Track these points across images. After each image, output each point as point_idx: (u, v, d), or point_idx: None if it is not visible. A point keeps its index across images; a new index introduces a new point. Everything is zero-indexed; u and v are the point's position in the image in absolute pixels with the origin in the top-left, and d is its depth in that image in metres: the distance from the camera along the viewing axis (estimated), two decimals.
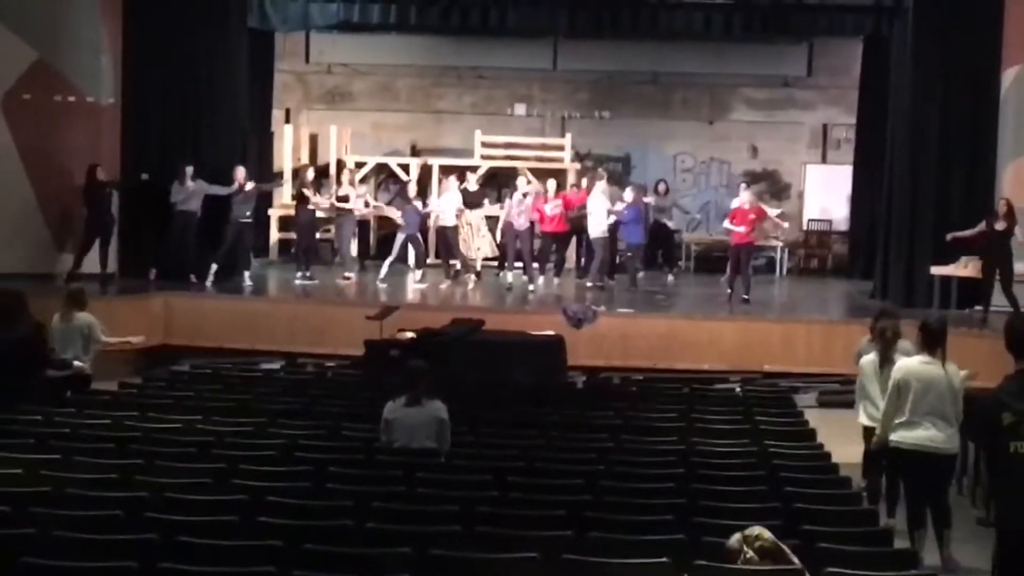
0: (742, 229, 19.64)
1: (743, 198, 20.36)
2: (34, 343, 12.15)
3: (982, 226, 17.55)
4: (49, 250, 19.18)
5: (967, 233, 17.72)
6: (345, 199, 21.09)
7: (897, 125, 19.68)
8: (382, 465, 9.82)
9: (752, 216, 19.78)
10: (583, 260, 21.91)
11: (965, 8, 18.70)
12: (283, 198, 23.81)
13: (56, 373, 12.50)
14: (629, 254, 20.88)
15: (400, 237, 20.82)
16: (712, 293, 20.72)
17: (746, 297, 19.48)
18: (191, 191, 19.38)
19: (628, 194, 20.65)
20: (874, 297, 20.01)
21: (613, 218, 20.25)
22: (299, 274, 20.57)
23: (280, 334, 17.81)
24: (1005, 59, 18.69)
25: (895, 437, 9.56)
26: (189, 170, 19.32)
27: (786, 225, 22.34)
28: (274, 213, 23.56)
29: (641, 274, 20.97)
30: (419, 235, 21.06)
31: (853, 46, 24.38)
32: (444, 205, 20.82)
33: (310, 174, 21.31)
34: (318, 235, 22.61)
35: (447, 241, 20.88)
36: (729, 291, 19.63)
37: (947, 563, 9.48)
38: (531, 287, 20.21)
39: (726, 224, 20.40)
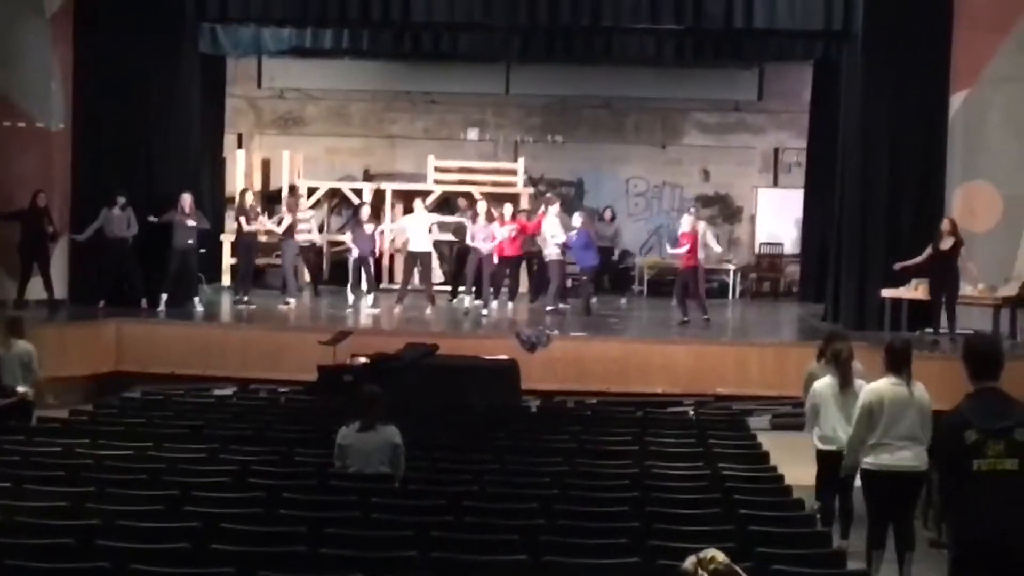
0: (684, 250, 19.79)
1: (685, 222, 20.39)
2: None
3: (929, 250, 17.69)
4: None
5: (915, 261, 17.85)
6: (291, 227, 20.95)
7: (847, 149, 19.83)
8: (336, 490, 9.78)
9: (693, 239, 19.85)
10: (536, 284, 21.87)
11: (914, 33, 18.87)
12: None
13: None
14: (584, 278, 20.87)
15: (351, 261, 20.81)
16: (665, 317, 20.77)
17: (707, 317, 19.57)
18: (118, 219, 19.16)
19: (577, 219, 20.72)
20: (825, 320, 20.13)
21: (562, 241, 20.26)
22: (236, 297, 20.50)
23: (232, 360, 17.72)
24: (954, 83, 18.87)
25: (868, 459, 9.53)
26: (122, 199, 19.14)
27: (717, 249, 22.17)
28: (226, 238, 23.42)
29: (594, 299, 21.00)
30: (370, 259, 21.02)
31: (803, 71, 24.56)
32: (415, 230, 20.65)
33: (248, 198, 21.10)
34: (270, 260, 22.55)
35: (421, 266, 20.76)
36: (702, 316, 19.65)
37: None
38: (484, 311, 20.19)
39: (672, 250, 20.59)
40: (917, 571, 9.64)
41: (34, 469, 10.22)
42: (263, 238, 21.65)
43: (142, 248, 19.45)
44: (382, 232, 21.72)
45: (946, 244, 17.50)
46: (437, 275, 22.17)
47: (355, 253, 20.83)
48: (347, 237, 21.21)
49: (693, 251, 19.59)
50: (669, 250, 20.59)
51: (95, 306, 19.05)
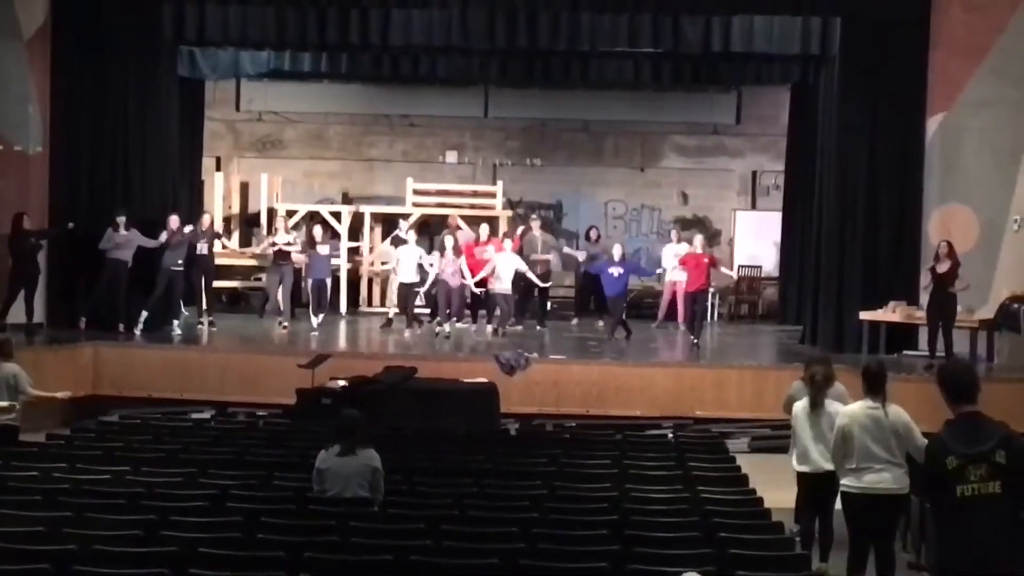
0: (683, 276, 20.10)
1: (696, 243, 20.52)
2: None
3: (928, 272, 17.72)
4: None
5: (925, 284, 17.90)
6: (284, 252, 20.95)
7: (825, 172, 19.89)
8: (315, 515, 9.74)
9: (706, 260, 19.97)
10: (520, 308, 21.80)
11: (890, 57, 18.96)
12: (216, 247, 23.63)
13: None
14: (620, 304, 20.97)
15: (309, 283, 20.82)
16: (644, 339, 20.80)
17: (696, 342, 19.68)
18: (123, 240, 19.21)
19: (618, 250, 20.88)
20: (804, 343, 20.17)
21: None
22: (200, 320, 20.64)
23: (211, 383, 17.67)
24: (930, 106, 18.97)
25: (846, 482, 9.56)
26: (122, 219, 19.17)
27: (733, 274, 22.65)
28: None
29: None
30: (327, 281, 21.00)
31: (781, 94, 24.68)
32: (405, 262, 20.65)
33: (205, 220, 21.07)
34: (249, 283, 22.55)
35: (404, 296, 20.78)
36: (692, 340, 19.77)
37: None
38: (447, 333, 20.19)
39: (676, 271, 21.08)
40: None
41: (10, 494, 10.15)
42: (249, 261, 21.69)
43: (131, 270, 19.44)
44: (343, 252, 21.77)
45: (943, 267, 17.55)
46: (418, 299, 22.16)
47: (311, 276, 20.84)
48: (302, 259, 21.18)
49: (706, 272, 19.84)
50: (675, 272, 20.96)
51: (74, 329, 18.98)
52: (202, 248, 20.49)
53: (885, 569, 9.60)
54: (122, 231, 19.20)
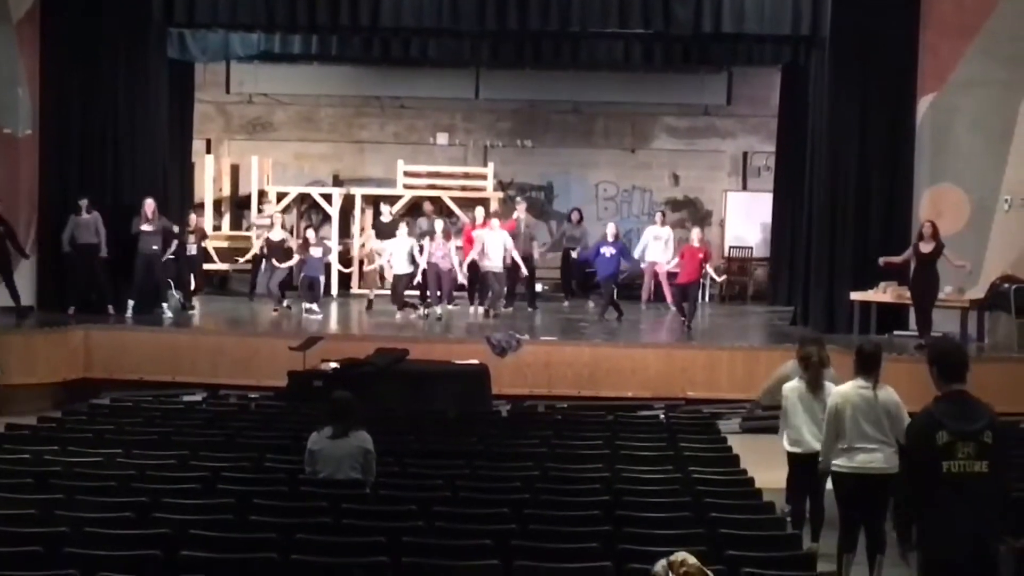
0: (674, 263, 20.23)
1: (694, 235, 20.50)
2: None
3: (910, 251, 17.74)
4: None
5: (898, 259, 17.90)
6: (280, 244, 20.89)
7: (816, 153, 19.91)
8: (307, 496, 9.75)
9: (701, 256, 19.98)
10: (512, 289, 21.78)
11: (881, 37, 18.96)
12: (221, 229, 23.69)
13: None
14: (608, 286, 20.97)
15: (302, 278, 20.83)
16: (635, 320, 20.83)
17: (689, 327, 19.78)
18: (86, 223, 19.08)
19: (611, 228, 21.03)
20: (795, 324, 20.20)
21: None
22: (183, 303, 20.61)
23: (202, 366, 17.67)
24: (921, 87, 19.00)
25: (837, 462, 9.58)
26: (84, 202, 19.05)
27: (718, 279, 22.81)
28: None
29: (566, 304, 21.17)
30: (319, 278, 21.04)
31: (772, 75, 24.66)
32: (398, 254, 20.62)
33: (192, 220, 21.05)
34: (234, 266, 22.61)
35: (397, 287, 20.78)
36: (685, 322, 19.88)
37: None
38: (439, 312, 20.18)
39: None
40: (888, 574, 9.67)
41: (2, 476, 10.15)
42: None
43: (112, 255, 19.34)
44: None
45: (927, 247, 17.55)
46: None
47: (305, 273, 20.83)
48: (294, 261, 21.11)
49: (699, 267, 19.97)
50: (669, 264, 21.13)
51: (64, 313, 18.95)
52: (191, 249, 20.48)
53: (876, 548, 9.63)
54: (83, 214, 19.08)
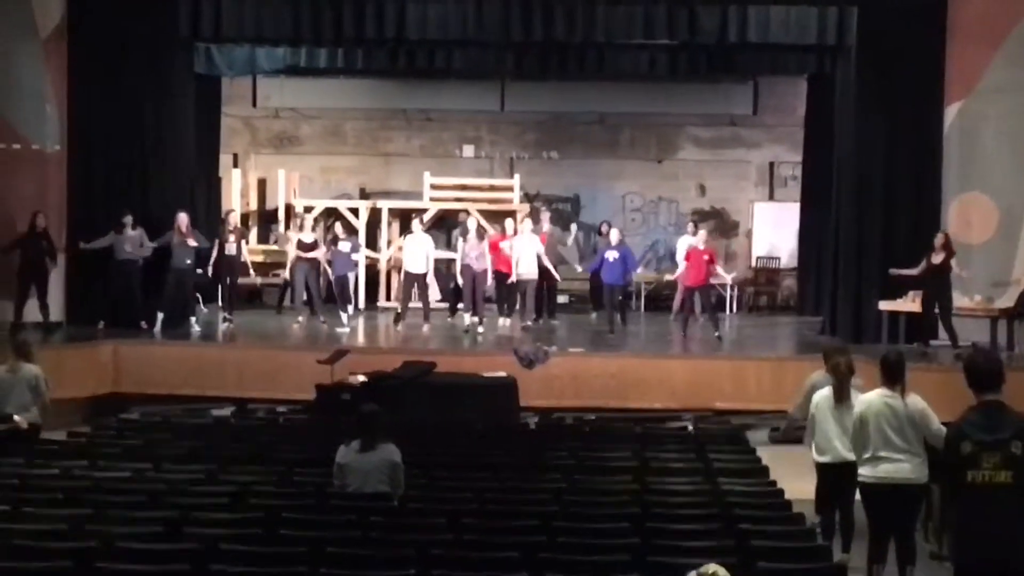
0: (682, 267, 20.15)
1: (699, 238, 20.43)
2: None
3: (924, 263, 17.71)
4: None
5: (911, 271, 17.88)
6: (313, 246, 20.90)
7: (843, 162, 19.85)
8: (335, 510, 9.75)
9: (706, 258, 19.89)
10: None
11: (907, 46, 18.89)
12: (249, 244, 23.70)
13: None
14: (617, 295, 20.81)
15: (333, 280, 20.87)
16: (662, 331, 20.78)
17: (718, 335, 19.74)
18: (129, 239, 19.17)
19: (615, 235, 20.66)
20: (823, 333, 20.12)
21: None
22: (222, 316, 20.61)
23: (230, 380, 17.69)
24: (948, 95, 18.91)
25: (864, 472, 9.53)
26: (128, 219, 19.15)
27: (728, 279, 22.56)
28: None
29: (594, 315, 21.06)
30: (349, 276, 20.98)
31: (798, 84, 24.63)
32: (412, 251, 20.61)
33: (231, 220, 21.11)
34: (267, 279, 22.62)
35: (418, 287, 20.76)
36: (714, 334, 19.77)
37: None
38: (480, 328, 20.14)
39: (679, 264, 20.73)
40: None
41: (33, 491, 10.19)
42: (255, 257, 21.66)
43: (144, 269, 19.43)
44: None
45: (938, 258, 17.53)
46: (435, 294, 22.20)
47: (333, 273, 20.87)
48: (322, 255, 21.15)
49: (705, 269, 19.78)
50: (679, 265, 20.80)
51: (93, 327, 19.02)
52: (230, 248, 20.52)
53: (906, 559, 9.57)
54: (128, 231, 19.18)
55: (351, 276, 21.26)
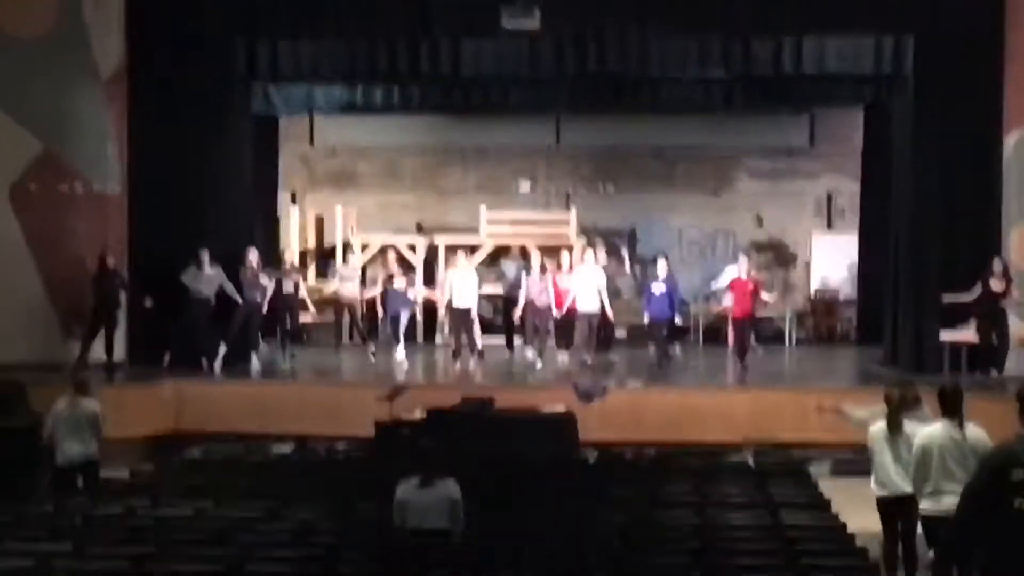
0: (729, 301, 19.97)
1: (741, 267, 20.28)
2: (30, 435, 12.21)
3: (978, 288, 17.59)
4: (57, 340, 19.25)
5: (965, 297, 17.75)
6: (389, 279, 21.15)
7: (901, 192, 19.74)
8: (395, 547, 9.75)
9: (751, 287, 19.78)
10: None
11: (965, 74, 18.76)
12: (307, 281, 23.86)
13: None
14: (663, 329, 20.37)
15: (385, 317, 20.98)
16: (721, 364, 20.69)
17: (744, 365, 19.59)
18: (208, 278, 19.30)
19: (662, 267, 20.19)
20: (884, 364, 19.95)
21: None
22: (285, 354, 20.72)
23: (290, 417, 17.74)
24: (1007, 123, 18.78)
25: (925, 505, 9.47)
26: (205, 255, 19.21)
27: (769, 300, 22.28)
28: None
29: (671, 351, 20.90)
30: (401, 314, 21.05)
31: (854, 114, 24.54)
32: (459, 285, 20.64)
33: (287, 258, 21.26)
34: (322, 318, 22.83)
35: (464, 321, 20.75)
36: (740, 365, 19.64)
37: None
38: (539, 363, 20.11)
39: (725, 298, 20.47)
40: None
41: (95, 530, 10.26)
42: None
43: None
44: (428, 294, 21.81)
45: (998, 285, 17.42)
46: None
47: (387, 311, 20.96)
48: (376, 293, 21.25)
49: (750, 299, 19.60)
50: (725, 299, 20.51)
51: (155, 366, 19.12)
52: (288, 287, 20.63)
53: None
54: (207, 269, 19.29)
55: (404, 314, 21.21)
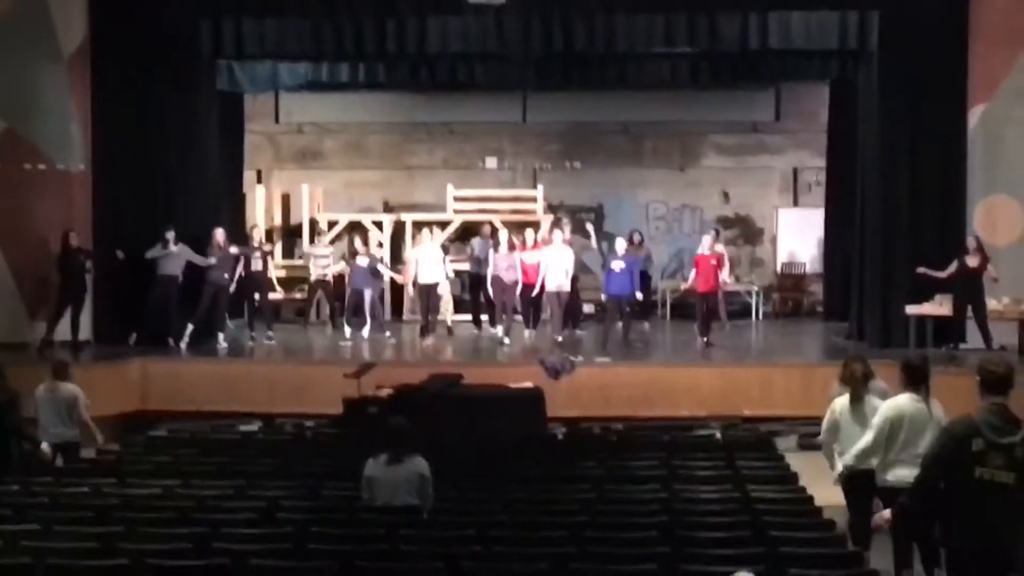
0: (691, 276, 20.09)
1: (705, 244, 20.32)
2: (8, 412, 12.22)
3: (954, 265, 17.67)
4: (22, 319, 19.11)
5: (939, 273, 17.85)
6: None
7: (867, 167, 19.79)
8: (365, 524, 9.75)
9: (713, 263, 19.82)
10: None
11: (930, 49, 18.83)
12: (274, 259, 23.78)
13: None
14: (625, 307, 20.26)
15: (347, 293, 20.94)
16: (689, 340, 20.73)
17: (706, 340, 19.67)
18: (173, 254, 19.28)
19: (621, 244, 20.15)
20: (851, 338, 20.05)
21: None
22: (268, 334, 20.55)
23: (258, 395, 17.72)
24: (971, 98, 18.84)
25: (887, 477, 9.52)
26: (171, 234, 19.21)
27: (730, 283, 22.28)
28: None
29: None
30: (364, 291, 20.99)
31: (820, 90, 24.58)
32: (424, 261, 20.65)
33: (255, 236, 21.13)
34: (291, 295, 22.74)
35: (430, 297, 20.76)
36: (704, 340, 19.68)
37: None
38: (506, 339, 20.11)
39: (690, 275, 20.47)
40: None
41: (63, 510, 10.22)
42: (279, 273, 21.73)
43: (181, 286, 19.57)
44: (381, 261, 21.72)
45: (973, 261, 17.52)
46: (452, 304, 22.21)
47: (351, 287, 20.92)
48: (342, 269, 21.22)
49: (713, 275, 19.63)
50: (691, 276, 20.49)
51: (121, 345, 19.08)
52: (256, 264, 20.55)
53: (931, 563, 9.53)
54: (172, 246, 19.26)
55: (367, 292, 21.13)
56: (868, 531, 10.59)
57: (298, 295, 23.44)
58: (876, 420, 9.68)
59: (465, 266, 22.53)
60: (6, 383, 12.56)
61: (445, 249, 22.36)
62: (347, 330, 20.77)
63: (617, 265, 19.84)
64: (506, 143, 26.86)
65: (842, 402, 10.73)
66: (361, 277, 20.99)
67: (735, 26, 19.30)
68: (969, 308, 17.83)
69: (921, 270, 18.09)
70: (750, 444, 14.03)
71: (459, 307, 22.78)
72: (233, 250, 19.77)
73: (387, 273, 21.98)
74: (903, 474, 9.39)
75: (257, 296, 20.79)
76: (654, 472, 11.78)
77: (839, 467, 10.63)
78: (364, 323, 20.94)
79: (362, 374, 16.27)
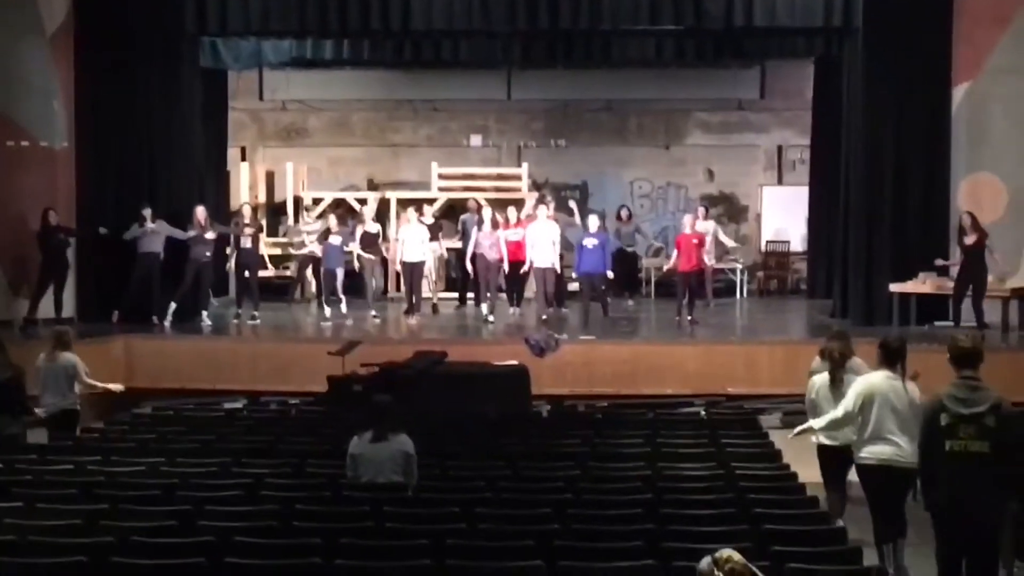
0: (674, 255, 20.12)
1: (686, 223, 20.34)
2: (14, 388, 12.25)
3: (958, 249, 17.79)
4: (4, 296, 19.05)
5: (954, 261, 17.97)
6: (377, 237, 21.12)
7: (851, 145, 19.80)
8: (349, 501, 9.76)
9: (695, 242, 19.83)
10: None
11: (915, 27, 18.85)
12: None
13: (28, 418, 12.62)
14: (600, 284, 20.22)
15: (321, 271, 20.91)
16: (672, 318, 20.73)
17: (691, 317, 19.68)
18: (151, 231, 19.25)
19: (595, 221, 19.93)
20: (834, 316, 20.09)
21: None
22: (253, 313, 20.43)
23: (242, 373, 17.71)
24: (956, 76, 18.88)
25: (863, 454, 9.60)
26: (147, 212, 19.22)
27: (712, 263, 22.27)
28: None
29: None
30: (336, 271, 20.87)
31: (805, 68, 24.57)
32: (408, 240, 20.64)
33: (244, 213, 21.01)
34: (280, 272, 22.65)
35: (413, 276, 20.72)
36: (685, 318, 19.70)
37: (899, 571, 9.51)
38: (491, 317, 20.10)
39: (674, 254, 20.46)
40: (920, 553, 9.57)
41: (47, 487, 10.20)
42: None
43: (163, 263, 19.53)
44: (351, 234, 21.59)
45: (970, 239, 17.58)
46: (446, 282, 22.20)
47: (324, 266, 20.88)
48: (317, 248, 21.19)
49: (695, 253, 19.71)
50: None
51: (105, 323, 19.05)
52: (245, 241, 20.47)
53: (897, 533, 9.61)
54: (148, 224, 19.24)
55: (339, 272, 20.92)
56: (842, 505, 10.74)
57: (287, 272, 23.38)
58: (848, 394, 9.79)
59: (458, 244, 22.51)
60: (9, 359, 12.57)
61: (439, 227, 22.32)
62: (327, 310, 20.72)
63: (590, 242, 19.69)
64: (491, 121, 26.82)
65: (821, 380, 10.83)
66: (334, 257, 20.88)
67: (720, 3, 19.27)
68: (970, 285, 17.87)
69: (939, 262, 18.15)
70: (734, 421, 14.06)
71: (452, 285, 22.82)
72: (210, 235, 19.58)
73: (356, 249, 21.11)
74: (877, 450, 9.53)
75: (247, 274, 20.72)
76: (639, 449, 11.79)
77: (821, 439, 10.69)
78: (340, 301, 20.88)
79: (347, 352, 16.26)
